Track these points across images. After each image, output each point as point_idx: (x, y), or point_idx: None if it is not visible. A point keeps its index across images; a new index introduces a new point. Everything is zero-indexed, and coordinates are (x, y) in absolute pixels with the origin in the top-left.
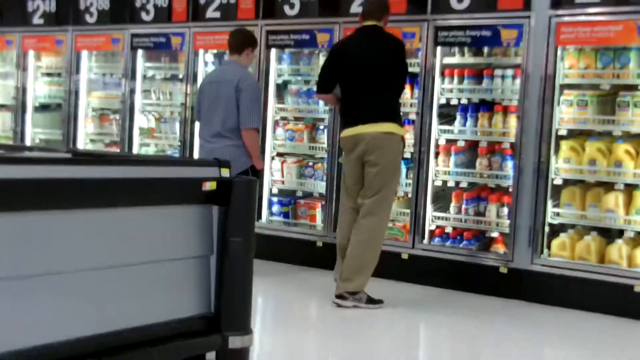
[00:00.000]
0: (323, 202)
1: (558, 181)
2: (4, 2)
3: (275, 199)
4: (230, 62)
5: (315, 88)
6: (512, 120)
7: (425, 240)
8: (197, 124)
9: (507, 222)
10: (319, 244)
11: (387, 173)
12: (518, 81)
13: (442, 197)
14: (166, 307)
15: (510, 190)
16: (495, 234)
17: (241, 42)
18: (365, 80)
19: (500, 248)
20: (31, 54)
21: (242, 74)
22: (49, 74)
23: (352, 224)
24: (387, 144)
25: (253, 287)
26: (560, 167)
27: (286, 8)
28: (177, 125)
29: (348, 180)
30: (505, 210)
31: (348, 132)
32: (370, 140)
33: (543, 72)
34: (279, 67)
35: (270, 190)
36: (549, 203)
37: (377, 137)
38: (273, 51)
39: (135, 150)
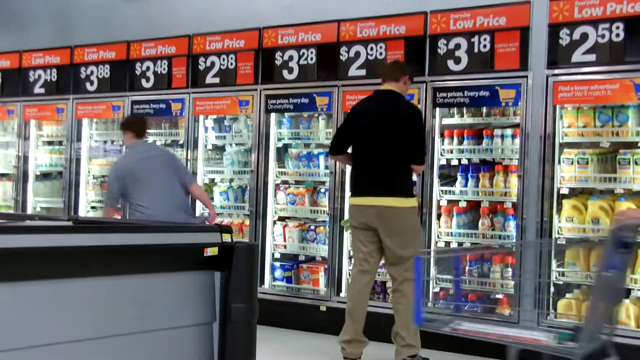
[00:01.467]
0: (325, 266)
1: (561, 240)
2: (6, 72)
3: (277, 264)
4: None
5: (316, 151)
6: (514, 180)
7: (430, 303)
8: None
9: (512, 283)
10: (323, 308)
11: (409, 241)
12: (518, 140)
13: (445, 259)
14: None
15: (514, 250)
16: (500, 296)
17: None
18: (377, 148)
19: (505, 310)
20: (32, 122)
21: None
22: (50, 142)
23: (367, 289)
24: (400, 217)
25: (257, 354)
26: (563, 226)
27: (285, 72)
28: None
29: (363, 247)
30: (510, 271)
31: (359, 200)
32: (383, 212)
33: (542, 131)
34: (278, 131)
35: (273, 254)
36: (553, 263)
37: (389, 210)
38: (273, 115)
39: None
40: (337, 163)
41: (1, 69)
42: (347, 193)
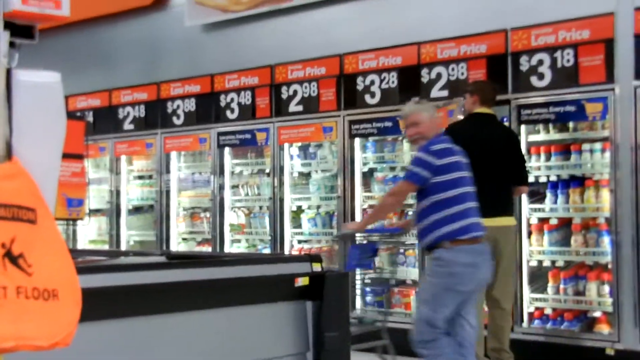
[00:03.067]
0: (416, 289)
1: None
2: (97, 111)
3: (368, 288)
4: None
5: (402, 174)
6: (605, 194)
7: (525, 323)
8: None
9: (610, 300)
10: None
11: (513, 262)
12: (607, 154)
13: (538, 278)
14: None
15: (610, 266)
16: (597, 314)
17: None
18: (494, 171)
19: (604, 328)
20: (123, 158)
21: None
22: (140, 177)
23: None
24: (511, 237)
25: None
26: None
27: (367, 97)
28: (267, 219)
29: None
30: (606, 287)
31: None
32: (504, 231)
33: (633, 143)
34: (363, 156)
35: (363, 279)
36: None
37: (507, 229)
38: (357, 140)
39: (226, 247)
40: None
41: (93, 108)
42: None
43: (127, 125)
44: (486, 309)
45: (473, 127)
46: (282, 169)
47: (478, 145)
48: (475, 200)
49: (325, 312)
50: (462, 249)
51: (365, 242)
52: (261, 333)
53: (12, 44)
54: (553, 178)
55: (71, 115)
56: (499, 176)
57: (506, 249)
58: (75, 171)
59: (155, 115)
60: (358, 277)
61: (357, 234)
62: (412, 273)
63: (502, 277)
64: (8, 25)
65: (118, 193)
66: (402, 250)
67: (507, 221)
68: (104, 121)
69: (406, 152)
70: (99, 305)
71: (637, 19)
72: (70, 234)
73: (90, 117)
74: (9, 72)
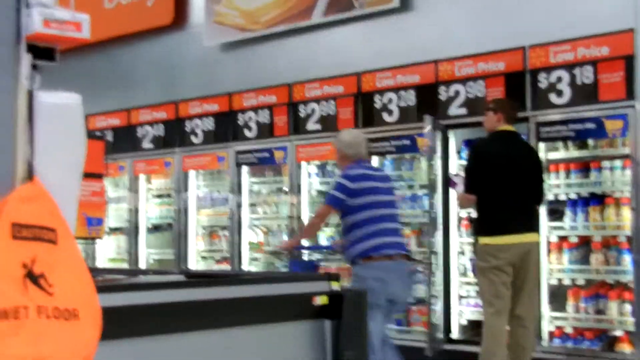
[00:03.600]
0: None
1: None
2: (116, 130)
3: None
4: None
5: (420, 192)
6: (626, 212)
7: (545, 342)
8: None
9: (631, 319)
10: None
11: (536, 276)
12: (628, 172)
13: (558, 296)
14: None
15: (631, 285)
16: (619, 333)
17: None
18: (518, 186)
19: (626, 348)
20: (142, 177)
21: None
22: (159, 196)
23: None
24: (537, 254)
25: None
26: None
27: (385, 115)
28: (285, 237)
29: (506, 290)
30: (628, 306)
31: (511, 239)
32: (525, 249)
33: None
34: None
35: None
36: None
37: (531, 246)
38: (375, 158)
39: (245, 265)
40: (441, 201)
41: (112, 127)
42: (453, 232)
43: (146, 144)
44: (508, 327)
45: (499, 145)
46: (299, 187)
47: (506, 163)
48: (394, 222)
49: (344, 331)
50: (372, 265)
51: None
52: (279, 353)
53: (33, 66)
54: (573, 196)
55: (91, 134)
56: (525, 193)
57: (532, 265)
58: (94, 190)
59: (174, 134)
60: None
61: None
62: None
63: (527, 294)
64: (30, 47)
65: (137, 211)
66: (419, 269)
67: (535, 237)
68: (123, 140)
69: (424, 170)
70: (118, 324)
71: None
72: (90, 253)
73: (109, 137)
74: (30, 94)
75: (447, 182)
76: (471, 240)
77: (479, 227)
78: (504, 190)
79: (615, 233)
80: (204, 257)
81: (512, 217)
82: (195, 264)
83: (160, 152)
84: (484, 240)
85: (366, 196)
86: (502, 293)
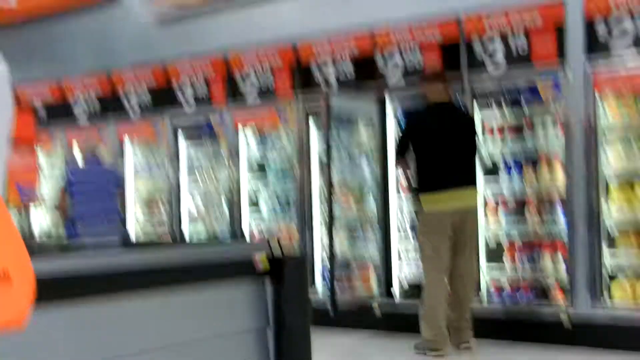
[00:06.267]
0: (375, 268)
1: (611, 226)
2: (50, 103)
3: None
4: None
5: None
6: (559, 173)
7: (484, 299)
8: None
9: (564, 272)
10: (375, 306)
11: (475, 235)
12: (560, 133)
13: (496, 254)
14: None
15: (564, 240)
16: (552, 285)
17: None
18: (457, 146)
19: (559, 298)
20: (77, 147)
21: None
22: None
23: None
24: (477, 214)
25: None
26: (612, 212)
27: (323, 84)
28: (225, 204)
29: (446, 251)
30: (561, 260)
31: (447, 200)
32: (469, 210)
33: (585, 122)
34: (320, 139)
35: (322, 259)
36: (604, 248)
37: (473, 207)
38: (313, 124)
39: (184, 231)
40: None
41: (45, 99)
42: (393, 196)
43: (81, 115)
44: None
45: (434, 113)
46: (238, 153)
47: (439, 128)
48: None
49: (285, 295)
50: None
51: None
52: (220, 316)
53: None
54: (508, 156)
55: (23, 105)
56: (461, 151)
57: (471, 225)
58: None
59: (108, 105)
60: None
61: None
62: (370, 253)
63: (467, 252)
64: None
65: None
66: (360, 231)
67: (474, 192)
68: (57, 112)
69: (364, 136)
70: (54, 289)
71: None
72: (25, 225)
73: (43, 109)
74: None
75: (383, 149)
76: (411, 202)
77: (419, 187)
78: (441, 152)
79: (549, 191)
80: (142, 226)
81: (450, 173)
82: (134, 231)
83: (95, 122)
84: (425, 197)
85: None
86: (443, 252)
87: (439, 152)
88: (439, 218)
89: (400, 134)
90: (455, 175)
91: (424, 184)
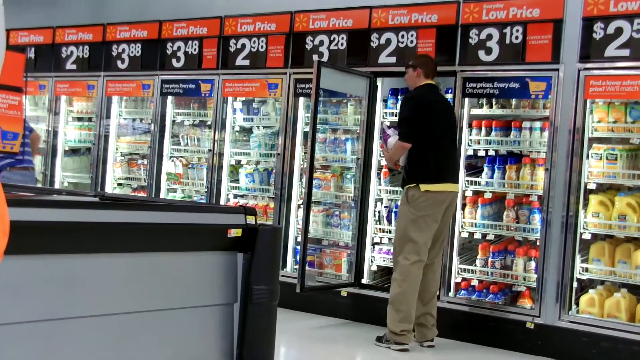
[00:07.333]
0: (349, 252)
1: (587, 236)
2: (39, 48)
3: (300, 248)
4: None
5: (344, 137)
6: (540, 173)
7: (451, 293)
8: None
9: (535, 276)
10: (344, 293)
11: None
12: (546, 133)
13: (468, 249)
14: (189, 354)
15: (538, 243)
16: (522, 288)
17: None
18: (450, 136)
19: (527, 303)
20: (63, 98)
21: None
22: (79, 119)
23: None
24: (456, 205)
25: (276, 336)
26: (589, 221)
27: (315, 57)
28: (205, 171)
29: (430, 241)
30: (533, 264)
31: (444, 187)
32: (452, 200)
33: (572, 125)
34: (306, 115)
35: (296, 238)
36: (577, 258)
37: (455, 198)
38: (301, 100)
39: (162, 196)
40: (363, 148)
41: (35, 44)
42: (373, 180)
43: (70, 65)
44: None
45: (432, 97)
46: (224, 122)
47: (441, 112)
48: None
49: (256, 266)
50: None
51: None
52: (190, 281)
53: None
54: (491, 153)
55: (12, 47)
56: (453, 143)
57: (450, 216)
58: (12, 104)
59: (99, 57)
60: None
61: None
62: (345, 236)
63: (440, 243)
64: None
65: (55, 133)
66: (337, 213)
67: (457, 188)
68: (46, 59)
69: (350, 115)
70: (27, 240)
71: (587, 2)
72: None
73: (31, 53)
74: None
75: (369, 129)
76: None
77: (419, 174)
78: (441, 139)
79: (528, 192)
80: (120, 185)
81: (447, 166)
82: (111, 190)
83: (84, 74)
84: (426, 187)
85: None
86: (428, 242)
87: (440, 135)
88: (437, 199)
89: (408, 113)
90: (452, 168)
91: (427, 172)
